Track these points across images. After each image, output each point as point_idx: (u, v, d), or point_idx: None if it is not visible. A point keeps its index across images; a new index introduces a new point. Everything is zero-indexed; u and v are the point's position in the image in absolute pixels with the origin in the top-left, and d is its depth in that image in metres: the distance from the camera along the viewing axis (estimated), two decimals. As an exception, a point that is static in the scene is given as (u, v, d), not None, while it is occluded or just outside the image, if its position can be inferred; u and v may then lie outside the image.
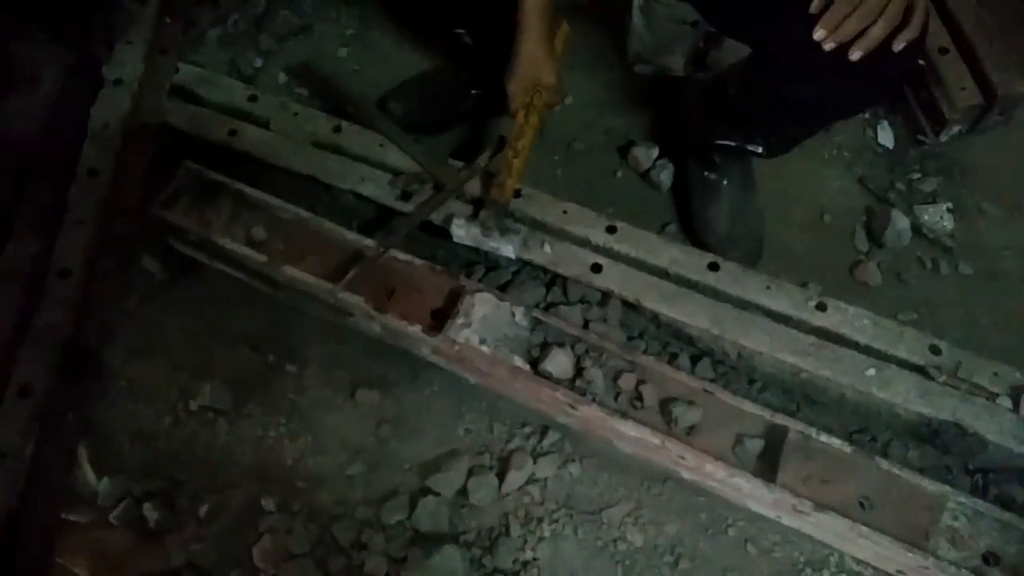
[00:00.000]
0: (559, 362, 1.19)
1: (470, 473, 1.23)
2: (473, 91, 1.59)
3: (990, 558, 1.05)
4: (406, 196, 1.38)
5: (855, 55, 0.97)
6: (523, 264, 1.35)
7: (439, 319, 1.24)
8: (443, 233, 1.34)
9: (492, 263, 1.38)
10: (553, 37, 1.31)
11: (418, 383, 1.32)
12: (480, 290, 1.24)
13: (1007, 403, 1.18)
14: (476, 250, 1.37)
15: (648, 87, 1.65)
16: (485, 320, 1.22)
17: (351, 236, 1.32)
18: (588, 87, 1.67)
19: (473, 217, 1.33)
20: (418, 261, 1.30)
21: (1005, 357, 1.22)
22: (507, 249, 1.31)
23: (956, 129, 1.58)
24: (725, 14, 1.22)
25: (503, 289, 1.34)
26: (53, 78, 1.47)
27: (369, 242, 1.30)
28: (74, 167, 1.39)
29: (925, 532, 1.06)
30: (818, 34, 0.97)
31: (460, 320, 1.21)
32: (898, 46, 0.98)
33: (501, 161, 1.34)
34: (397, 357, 1.33)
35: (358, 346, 1.35)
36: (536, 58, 1.26)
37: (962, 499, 1.07)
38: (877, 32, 0.96)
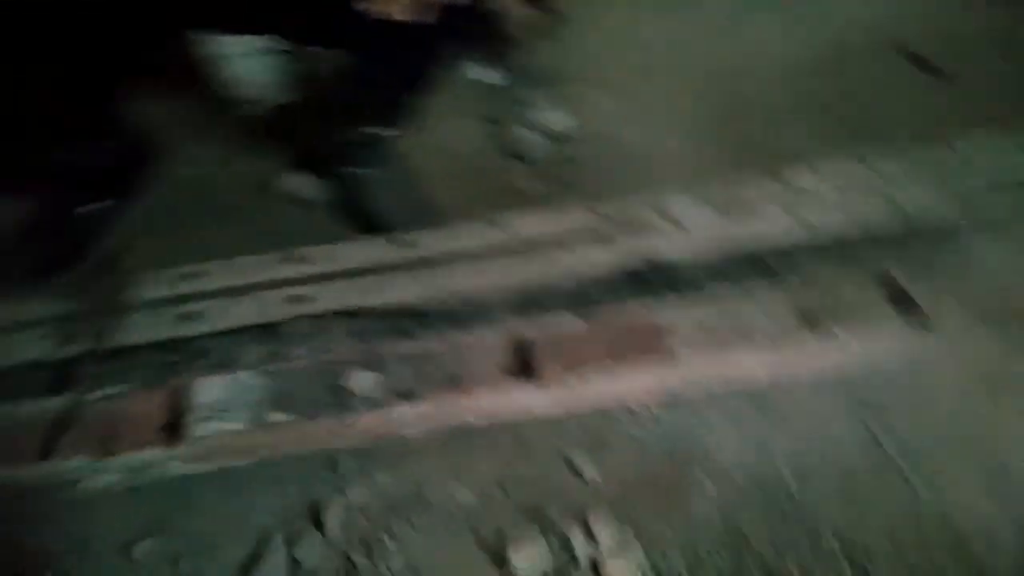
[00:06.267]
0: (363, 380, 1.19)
1: (289, 544, 1.16)
2: None
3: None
4: (69, 339, 1.26)
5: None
6: (229, 333, 1.30)
7: (176, 431, 1.16)
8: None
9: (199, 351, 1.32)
10: None
11: (190, 503, 1.21)
12: (199, 377, 1.18)
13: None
14: (175, 348, 1.29)
15: (270, 122, 1.71)
16: (222, 400, 1.16)
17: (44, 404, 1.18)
18: (209, 151, 1.69)
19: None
20: (126, 389, 1.20)
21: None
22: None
23: (529, 44, 1.82)
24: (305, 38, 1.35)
25: (225, 367, 1.28)
26: None
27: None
28: None
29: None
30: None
31: (198, 415, 1.14)
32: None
33: None
34: (156, 492, 1.20)
35: (108, 509, 1.20)
36: None
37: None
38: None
